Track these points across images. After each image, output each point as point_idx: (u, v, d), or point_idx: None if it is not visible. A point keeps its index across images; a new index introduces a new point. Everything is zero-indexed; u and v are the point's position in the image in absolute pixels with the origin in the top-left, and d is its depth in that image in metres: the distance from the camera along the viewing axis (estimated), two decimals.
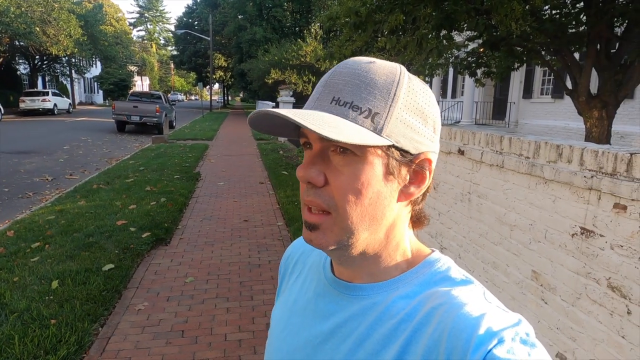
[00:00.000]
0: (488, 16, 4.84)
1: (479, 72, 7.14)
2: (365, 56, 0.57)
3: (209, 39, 35.83)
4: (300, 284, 0.66)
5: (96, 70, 45.58)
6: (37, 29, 23.41)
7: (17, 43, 25.16)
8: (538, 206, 2.50)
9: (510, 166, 2.76)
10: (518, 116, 14.89)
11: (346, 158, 0.51)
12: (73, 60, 34.28)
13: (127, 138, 15.70)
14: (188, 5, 49.09)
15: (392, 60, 0.55)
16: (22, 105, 23.89)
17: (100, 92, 46.38)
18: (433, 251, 0.58)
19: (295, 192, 6.76)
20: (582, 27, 5.15)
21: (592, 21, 4.74)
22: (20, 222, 5.17)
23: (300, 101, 17.07)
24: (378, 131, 0.50)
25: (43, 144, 12.51)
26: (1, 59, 25.27)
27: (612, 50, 5.03)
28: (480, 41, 5.71)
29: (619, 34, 5.08)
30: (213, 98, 51.39)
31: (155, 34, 75.88)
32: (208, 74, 41.15)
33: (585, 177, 2.11)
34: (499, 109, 15.89)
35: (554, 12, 5.28)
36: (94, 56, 37.23)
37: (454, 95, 19.53)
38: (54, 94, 26.04)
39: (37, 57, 28.94)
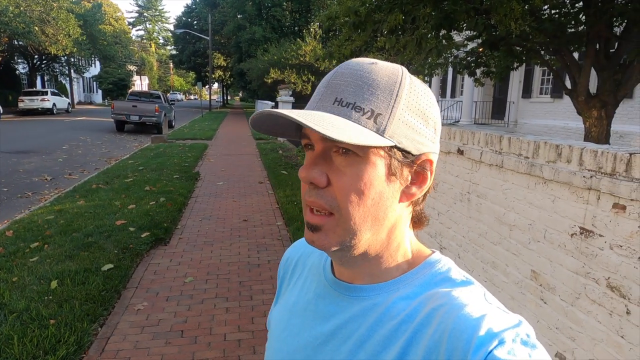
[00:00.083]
0: (487, 16, 4.84)
1: (478, 71, 7.15)
2: (365, 56, 0.57)
3: (208, 38, 35.81)
4: (300, 285, 0.66)
5: (95, 69, 45.56)
6: (36, 28, 23.38)
7: (15, 42, 25.14)
8: (537, 206, 2.51)
9: (509, 166, 2.76)
10: (517, 116, 14.91)
11: (348, 159, 0.51)
12: (72, 59, 34.25)
13: (126, 138, 15.69)
14: (187, 4, 49.03)
15: (391, 60, 0.56)
16: (21, 104, 23.86)
17: (99, 91, 46.35)
18: (433, 252, 0.58)
19: (294, 192, 6.76)
20: (581, 27, 5.15)
21: (591, 21, 4.74)
22: (19, 222, 5.16)
23: (299, 101, 17.06)
24: (381, 132, 0.50)
25: (42, 144, 12.50)
26: (0, 58, 25.23)
27: (611, 50, 5.04)
28: (480, 41, 5.71)
29: (618, 34, 5.08)
30: (212, 97, 51.38)
31: (155, 33, 75.83)
32: (207, 73, 41.13)
33: (584, 177, 2.11)
34: (498, 108, 15.90)
35: (553, 11, 5.29)
36: (93, 56, 37.20)
37: (453, 95, 19.54)
38: (53, 94, 26.02)
39: (36, 56, 28.93)
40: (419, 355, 0.48)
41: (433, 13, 4.96)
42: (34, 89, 27.50)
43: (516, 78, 14.50)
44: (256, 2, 29.21)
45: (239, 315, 3.22)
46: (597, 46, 4.88)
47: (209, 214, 5.85)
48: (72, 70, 36.14)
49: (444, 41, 5.48)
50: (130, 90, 29.82)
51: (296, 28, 28.96)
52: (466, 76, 7.86)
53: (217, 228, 5.27)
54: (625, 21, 4.94)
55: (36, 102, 24.11)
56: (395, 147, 0.51)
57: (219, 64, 44.82)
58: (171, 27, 64.22)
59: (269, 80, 20.88)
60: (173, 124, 20.17)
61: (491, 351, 0.43)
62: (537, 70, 13.63)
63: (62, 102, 26.89)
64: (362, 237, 0.53)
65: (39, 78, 32.19)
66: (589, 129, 5.09)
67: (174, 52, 53.13)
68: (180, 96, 78.75)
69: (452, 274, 0.54)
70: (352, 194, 0.51)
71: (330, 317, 0.57)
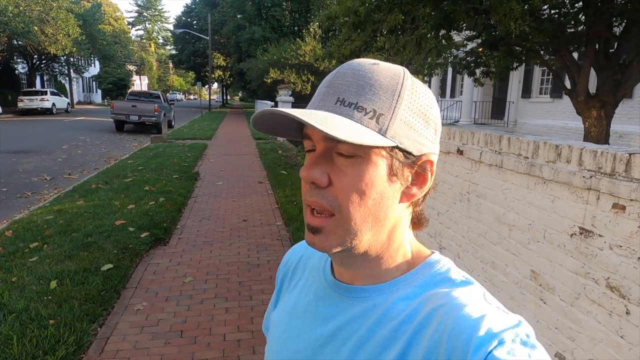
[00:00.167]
0: (487, 16, 4.84)
1: (477, 71, 7.15)
2: (364, 56, 0.57)
3: (207, 38, 35.80)
4: (300, 287, 0.66)
5: (95, 69, 45.53)
6: (36, 28, 23.38)
7: (15, 42, 25.14)
8: (537, 206, 2.51)
9: (509, 166, 2.76)
10: (517, 116, 14.91)
11: (350, 159, 0.51)
12: (71, 59, 34.25)
13: (125, 137, 15.68)
14: (187, 4, 49.00)
15: (390, 60, 0.56)
16: (20, 104, 23.85)
17: (99, 91, 46.33)
18: (433, 252, 0.58)
19: (294, 192, 6.76)
20: (581, 27, 5.15)
21: (591, 21, 4.75)
22: (19, 222, 5.16)
23: (299, 100, 17.06)
24: (383, 132, 0.50)
25: (41, 144, 12.49)
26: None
27: (610, 50, 5.04)
28: (479, 41, 5.71)
29: (617, 34, 5.08)
30: (212, 97, 51.36)
31: (154, 33, 75.80)
32: (207, 73, 41.12)
33: (584, 177, 2.11)
34: (498, 108, 15.91)
35: (552, 11, 5.29)
36: (92, 55, 37.21)
37: (452, 95, 19.55)
38: (53, 94, 26.01)
39: (36, 56, 28.92)
40: (419, 356, 0.48)
41: (433, 13, 4.96)
42: (34, 88, 27.48)
43: (516, 78, 14.51)
44: (256, 2, 29.21)
45: (238, 315, 3.22)
46: (597, 46, 4.89)
47: (209, 214, 5.85)
48: (71, 70, 36.13)
49: (443, 41, 5.48)
50: (130, 90, 29.81)
51: (296, 28, 28.95)
52: (466, 76, 7.86)
53: (217, 228, 5.27)
54: (625, 21, 4.95)
55: (35, 102, 24.10)
56: (397, 147, 0.51)
57: (218, 63, 44.81)
58: (171, 27, 64.22)
59: (269, 80, 20.87)
60: (172, 123, 20.16)
61: (491, 351, 0.43)
62: (537, 70, 13.63)
63: (61, 102, 26.88)
64: (363, 238, 0.53)
65: (38, 78, 32.18)
66: (588, 129, 5.10)
67: (173, 51, 53.09)
68: (179, 96, 78.70)
69: (452, 274, 0.54)
70: (353, 194, 0.51)
71: (330, 318, 0.57)
